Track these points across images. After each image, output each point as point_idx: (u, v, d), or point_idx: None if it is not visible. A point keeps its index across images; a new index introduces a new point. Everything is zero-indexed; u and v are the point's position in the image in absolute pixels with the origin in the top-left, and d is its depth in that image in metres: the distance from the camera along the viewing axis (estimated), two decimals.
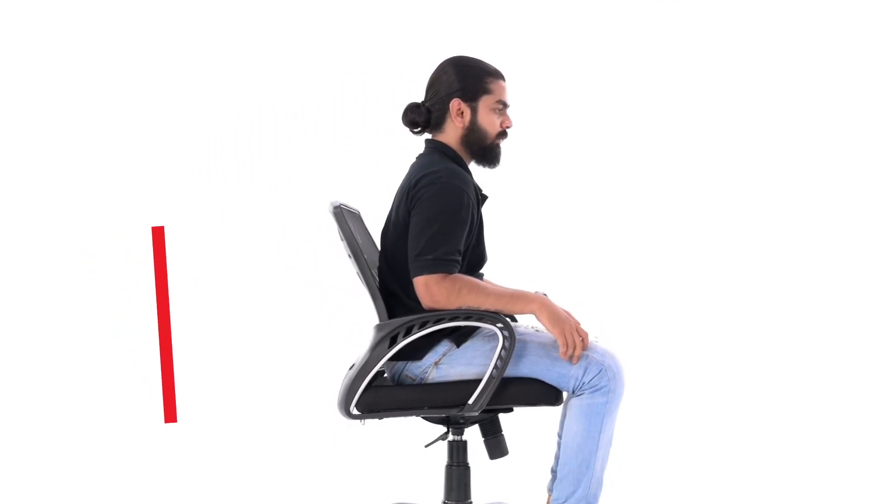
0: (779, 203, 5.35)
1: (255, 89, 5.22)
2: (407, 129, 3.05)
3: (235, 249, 5.18)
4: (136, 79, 5.15)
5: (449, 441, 2.98)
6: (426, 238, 2.81)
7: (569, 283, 5.01)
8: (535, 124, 4.97)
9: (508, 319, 2.84)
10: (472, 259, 2.95)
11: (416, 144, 3.08)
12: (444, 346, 2.86)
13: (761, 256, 5.33)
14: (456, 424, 2.96)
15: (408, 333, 2.81)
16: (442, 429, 3.00)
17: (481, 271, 3.04)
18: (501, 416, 2.97)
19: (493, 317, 2.80)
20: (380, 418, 2.89)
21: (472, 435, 2.98)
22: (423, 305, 2.83)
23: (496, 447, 2.95)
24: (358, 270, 2.92)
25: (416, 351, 2.86)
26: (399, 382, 2.90)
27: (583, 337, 2.81)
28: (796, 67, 5.33)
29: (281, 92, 5.24)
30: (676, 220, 5.34)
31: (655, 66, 5.33)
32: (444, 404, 2.83)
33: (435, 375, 2.87)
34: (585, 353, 2.82)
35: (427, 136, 3.04)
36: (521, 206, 5.21)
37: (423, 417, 2.95)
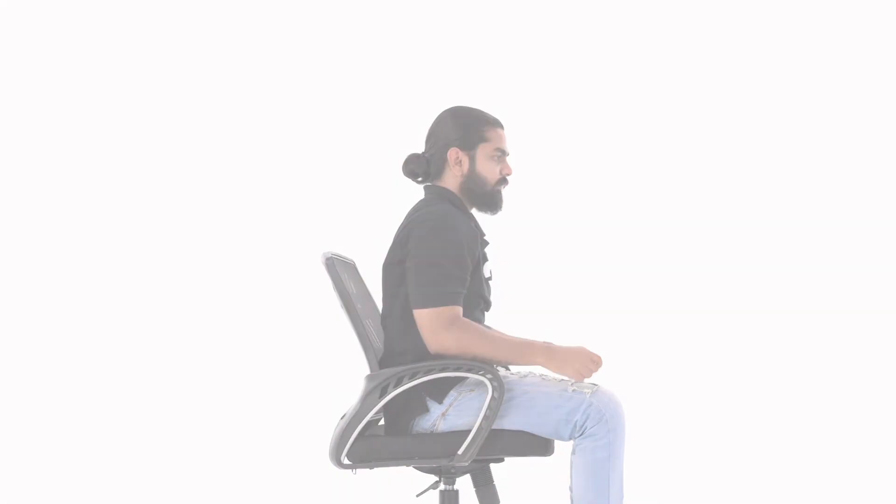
0: (780, 208, 5.27)
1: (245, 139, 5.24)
2: (407, 179, 3.07)
3: (228, 299, 5.18)
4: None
5: (440, 490, 2.97)
6: (427, 275, 2.82)
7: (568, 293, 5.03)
8: (532, 129, 4.98)
9: (500, 369, 2.85)
10: (473, 299, 2.93)
11: (414, 192, 3.10)
12: (451, 396, 2.87)
13: (762, 263, 5.24)
14: (447, 474, 2.96)
15: (398, 384, 2.83)
16: (434, 478, 3.00)
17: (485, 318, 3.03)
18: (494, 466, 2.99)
19: (481, 367, 2.81)
20: (371, 468, 2.89)
21: (464, 484, 2.99)
22: (429, 348, 2.83)
23: (487, 497, 2.97)
24: (350, 321, 2.93)
25: (421, 402, 2.86)
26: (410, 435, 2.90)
27: (595, 361, 2.85)
28: (796, 68, 5.27)
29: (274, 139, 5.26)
30: (678, 236, 5.26)
31: (655, 74, 5.31)
32: (435, 455, 2.85)
33: (444, 426, 2.87)
34: (588, 397, 2.82)
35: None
36: (522, 212, 5.15)
37: (414, 467, 2.96)
